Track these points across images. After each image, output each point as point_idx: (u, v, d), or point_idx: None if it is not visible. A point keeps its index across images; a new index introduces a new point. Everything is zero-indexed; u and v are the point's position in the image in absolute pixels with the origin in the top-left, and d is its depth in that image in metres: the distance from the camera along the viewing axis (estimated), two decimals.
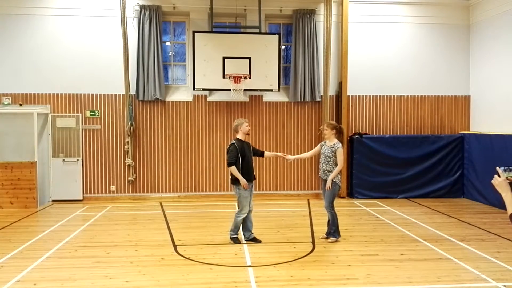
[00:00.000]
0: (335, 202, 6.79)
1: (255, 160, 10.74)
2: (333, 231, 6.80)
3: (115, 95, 10.42)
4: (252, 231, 6.86)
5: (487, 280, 5.11)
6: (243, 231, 6.89)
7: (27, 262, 5.82)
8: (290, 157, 7.21)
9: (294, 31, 10.62)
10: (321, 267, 5.61)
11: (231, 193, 10.46)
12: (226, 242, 6.79)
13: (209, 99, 10.64)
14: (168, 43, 11.11)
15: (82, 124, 10.35)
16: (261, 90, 10.39)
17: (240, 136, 6.68)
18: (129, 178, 10.44)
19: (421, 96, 11.11)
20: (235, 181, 6.55)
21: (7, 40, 10.11)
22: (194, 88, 10.05)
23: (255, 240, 6.80)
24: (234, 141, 6.60)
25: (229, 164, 6.48)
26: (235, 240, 6.77)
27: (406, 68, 11.02)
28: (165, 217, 8.68)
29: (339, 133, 6.81)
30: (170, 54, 11.15)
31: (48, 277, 5.28)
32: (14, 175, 9.51)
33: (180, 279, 5.22)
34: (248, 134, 6.77)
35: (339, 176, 6.75)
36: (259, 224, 8.01)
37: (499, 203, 8.83)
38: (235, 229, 6.79)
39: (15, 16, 10.08)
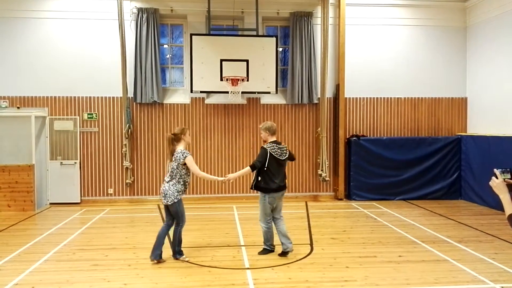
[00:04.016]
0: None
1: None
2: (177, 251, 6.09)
3: (113, 97, 10.41)
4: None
5: (485, 282, 5.12)
6: None
7: (24, 265, 5.81)
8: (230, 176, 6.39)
9: (291, 34, 10.65)
10: (319, 269, 5.62)
11: (228, 195, 10.50)
12: (224, 245, 6.79)
13: (207, 101, 10.65)
14: (165, 46, 11.13)
15: (79, 126, 10.34)
16: (258, 93, 10.39)
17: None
18: (127, 181, 10.42)
19: (418, 98, 11.14)
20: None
21: (4, 43, 10.11)
22: (191, 91, 10.05)
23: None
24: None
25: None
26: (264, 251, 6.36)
27: (403, 70, 11.05)
28: (163, 219, 8.64)
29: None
30: (167, 56, 11.16)
31: (46, 280, 5.27)
32: (12, 178, 9.49)
33: (178, 281, 5.21)
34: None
35: None
36: (258, 226, 8.00)
37: (497, 205, 8.86)
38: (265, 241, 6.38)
39: (13, 19, 10.08)
